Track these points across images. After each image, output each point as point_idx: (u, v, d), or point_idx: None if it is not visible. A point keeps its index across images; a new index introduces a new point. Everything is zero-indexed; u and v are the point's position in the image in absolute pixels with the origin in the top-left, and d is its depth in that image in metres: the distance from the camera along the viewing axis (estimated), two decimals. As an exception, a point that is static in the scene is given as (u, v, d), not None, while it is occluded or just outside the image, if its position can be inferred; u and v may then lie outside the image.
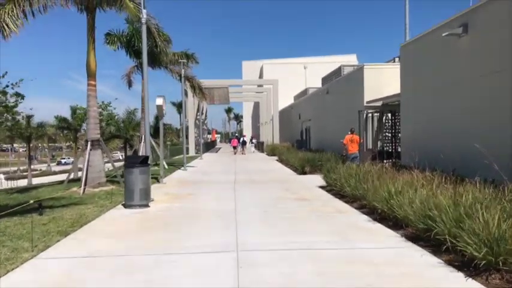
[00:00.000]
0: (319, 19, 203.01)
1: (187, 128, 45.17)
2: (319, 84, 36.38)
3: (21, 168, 69.73)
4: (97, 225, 8.50)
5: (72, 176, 15.81)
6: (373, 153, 16.18)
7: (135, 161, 10.24)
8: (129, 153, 41.43)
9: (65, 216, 9.46)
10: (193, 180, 16.85)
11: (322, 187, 13.47)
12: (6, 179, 54.33)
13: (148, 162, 10.72)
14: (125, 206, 10.33)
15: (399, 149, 16.47)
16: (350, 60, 52.53)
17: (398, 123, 17.01)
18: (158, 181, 15.82)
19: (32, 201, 9.42)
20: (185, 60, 21.57)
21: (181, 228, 8.00)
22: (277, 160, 27.94)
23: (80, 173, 19.99)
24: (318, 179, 15.17)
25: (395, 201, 7.87)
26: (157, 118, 58.27)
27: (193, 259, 6.03)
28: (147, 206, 10.29)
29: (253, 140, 48.33)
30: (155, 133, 56.55)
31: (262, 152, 41.36)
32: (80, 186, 13.52)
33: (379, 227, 7.85)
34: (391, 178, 9.50)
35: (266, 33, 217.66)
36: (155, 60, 21.86)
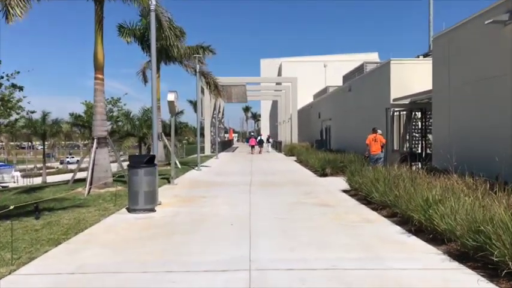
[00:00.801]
0: (339, 17, 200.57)
1: (202, 126, 44.45)
2: (339, 83, 35.13)
3: (38, 165, 70.04)
4: (94, 232, 7.58)
5: (77, 176, 15.01)
6: (401, 155, 14.98)
7: (139, 161, 9.30)
8: (144, 152, 40.80)
9: (62, 220, 8.60)
10: (206, 181, 15.90)
11: (345, 191, 12.37)
12: (23, 176, 54.50)
13: (155, 162, 9.77)
14: (129, 210, 9.41)
15: (429, 151, 15.24)
16: (372, 58, 51.05)
17: (428, 123, 15.76)
18: (169, 182, 14.91)
19: (30, 202, 8.59)
20: (200, 55, 20.65)
21: (187, 238, 7.01)
22: (295, 161, 26.85)
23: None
24: (340, 182, 14.07)
25: (434, 211, 6.75)
26: (174, 117, 58.05)
27: (196, 280, 5.04)
28: (152, 210, 9.35)
29: (270, 140, 47.73)
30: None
31: (280, 151, 40.27)
32: (85, 187, 12.69)
33: (415, 241, 6.73)
34: (426, 183, 8.37)
35: (285, 30, 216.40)
36: (168, 55, 21.04)
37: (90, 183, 12.93)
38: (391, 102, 16.93)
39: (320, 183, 14.85)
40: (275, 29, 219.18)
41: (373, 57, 55.66)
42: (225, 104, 58.32)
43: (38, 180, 43.06)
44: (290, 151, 33.09)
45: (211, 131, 40.69)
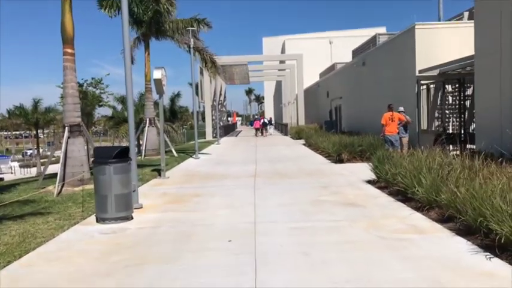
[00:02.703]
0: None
1: (202, 111, 42.09)
2: (347, 60, 32.56)
3: (48, 153, 68.01)
4: (33, 261, 5.35)
5: (47, 171, 12.79)
6: (437, 136, 12.66)
7: (107, 154, 7.01)
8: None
9: (4, 237, 6.40)
10: (204, 172, 13.65)
11: (371, 182, 10.12)
12: (21, 166, 52.68)
13: (130, 155, 7.50)
14: (97, 219, 7.19)
15: (468, 130, 12.87)
16: (380, 32, 48.12)
17: (467, 97, 13.34)
18: (160, 175, 12.69)
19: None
20: (194, 28, 18.20)
21: (162, 273, 4.77)
22: (304, 144, 24.54)
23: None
24: (361, 170, 11.85)
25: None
26: (173, 100, 55.75)
27: None
28: (127, 219, 7.12)
29: (272, 122, 46.26)
30: (171, 117, 53.78)
31: (286, 134, 37.91)
32: (56, 185, 10.48)
33: (507, 270, 4.45)
34: (498, 178, 6.06)
35: (287, 7, 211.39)
36: (159, 29, 18.63)
37: (62, 180, 10.72)
38: (417, 74, 14.50)
39: (338, 171, 12.56)
40: (277, 7, 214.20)
41: (381, 31, 52.68)
42: (227, 87, 55.85)
43: (35, 171, 41.30)
44: (297, 134, 30.78)
45: (212, 115, 38.32)
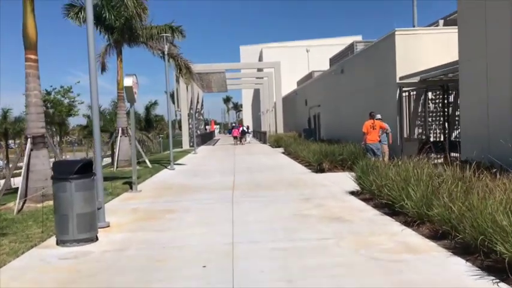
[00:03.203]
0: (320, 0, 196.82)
1: (179, 119, 41.26)
2: (325, 68, 32.39)
3: (19, 165, 65.69)
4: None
5: (9, 186, 11.90)
6: (421, 144, 12.31)
7: (68, 169, 6.30)
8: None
9: None
10: (178, 185, 12.95)
11: (354, 194, 9.64)
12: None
13: (95, 168, 6.80)
14: (57, 241, 6.45)
15: (452, 138, 12.56)
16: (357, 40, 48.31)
17: (450, 104, 13.04)
18: (131, 188, 11.94)
19: None
20: (169, 35, 17.54)
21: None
22: (283, 153, 24.05)
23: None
24: (343, 180, 11.41)
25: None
26: (148, 109, 54.64)
27: None
28: (91, 240, 6.41)
29: (249, 130, 46.02)
30: (146, 125, 52.64)
31: (265, 143, 37.40)
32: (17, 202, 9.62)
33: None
34: (499, 190, 5.60)
35: (265, 15, 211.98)
36: (132, 35, 17.92)
37: (24, 196, 9.89)
38: (397, 81, 14.18)
39: (319, 182, 12.05)
40: (255, 15, 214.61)
41: (358, 39, 52.96)
42: (205, 95, 55.12)
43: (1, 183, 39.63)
44: (276, 142, 30.28)
45: (189, 123, 37.50)
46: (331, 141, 20.67)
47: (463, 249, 5.28)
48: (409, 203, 6.81)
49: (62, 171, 6.34)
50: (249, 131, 46.44)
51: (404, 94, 14.04)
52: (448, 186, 6.48)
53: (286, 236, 6.45)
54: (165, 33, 17.57)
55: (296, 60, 50.85)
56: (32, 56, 10.28)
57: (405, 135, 14.19)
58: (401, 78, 14.03)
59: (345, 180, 11.70)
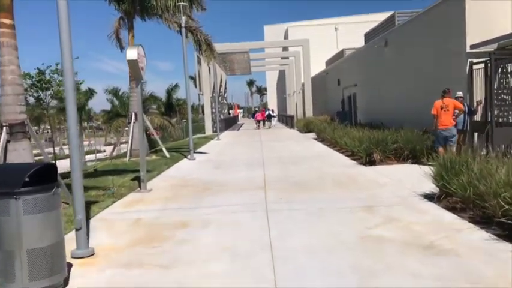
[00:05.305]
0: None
1: (202, 103, 39.07)
2: (355, 46, 29.42)
3: (34, 152, 65.08)
4: None
5: None
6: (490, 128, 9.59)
7: (12, 179, 3.99)
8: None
9: None
10: (197, 181, 10.59)
11: (431, 198, 7.08)
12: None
13: (59, 178, 4.46)
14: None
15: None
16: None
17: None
18: (140, 186, 9.65)
19: None
20: (186, 3, 15.07)
21: None
22: (315, 139, 21.48)
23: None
24: (405, 176, 9.09)
25: None
26: (170, 92, 52.63)
27: None
28: (53, 289, 4.10)
29: (275, 113, 44.28)
30: (167, 110, 50.68)
31: (292, 127, 34.76)
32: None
33: None
34: None
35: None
36: (145, 6, 15.54)
37: None
38: (468, 50, 11.37)
39: (374, 179, 9.46)
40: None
41: (399, 11, 49.31)
42: (228, 78, 52.64)
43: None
44: (306, 127, 27.66)
45: (212, 108, 35.17)
46: (372, 125, 18.00)
47: None
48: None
49: (4, 182, 3.99)
50: (274, 114, 44.21)
51: (478, 66, 11.19)
52: None
53: (360, 283, 3.99)
54: (183, 1, 15.09)
55: (324, 39, 47.65)
56: (6, 21, 7.98)
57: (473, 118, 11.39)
58: (472, 46, 11.21)
59: (408, 176, 9.28)
